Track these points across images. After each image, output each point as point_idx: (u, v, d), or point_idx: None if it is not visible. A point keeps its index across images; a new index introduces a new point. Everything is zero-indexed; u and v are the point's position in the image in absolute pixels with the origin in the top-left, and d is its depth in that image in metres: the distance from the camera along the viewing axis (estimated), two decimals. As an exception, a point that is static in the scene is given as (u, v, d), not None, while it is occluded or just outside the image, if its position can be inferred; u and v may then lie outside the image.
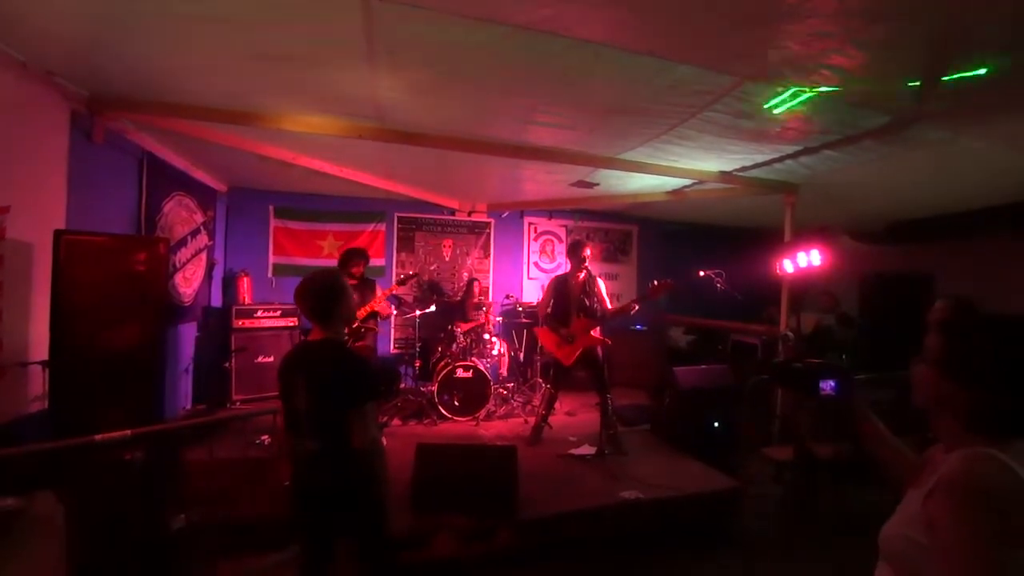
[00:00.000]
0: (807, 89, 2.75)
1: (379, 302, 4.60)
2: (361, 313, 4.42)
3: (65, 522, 1.93)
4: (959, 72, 2.46)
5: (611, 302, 4.50)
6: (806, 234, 4.48)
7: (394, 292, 4.99)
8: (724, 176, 4.65)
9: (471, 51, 2.54)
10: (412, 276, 5.37)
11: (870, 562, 1.13)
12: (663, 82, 2.78)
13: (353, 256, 4.58)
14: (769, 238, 5.67)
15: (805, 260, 4.39)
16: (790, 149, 3.86)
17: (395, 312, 5.74)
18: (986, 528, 0.87)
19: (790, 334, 4.77)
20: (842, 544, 3.40)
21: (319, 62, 2.74)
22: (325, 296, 2.04)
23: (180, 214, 4.82)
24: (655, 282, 4.14)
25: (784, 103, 2.93)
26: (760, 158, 4.13)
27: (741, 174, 4.61)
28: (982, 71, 2.42)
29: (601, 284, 4.46)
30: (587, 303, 4.35)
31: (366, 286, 4.68)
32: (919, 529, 0.97)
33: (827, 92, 2.76)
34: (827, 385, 1.29)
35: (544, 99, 3.17)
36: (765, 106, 3.00)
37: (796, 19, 2.12)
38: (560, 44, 2.41)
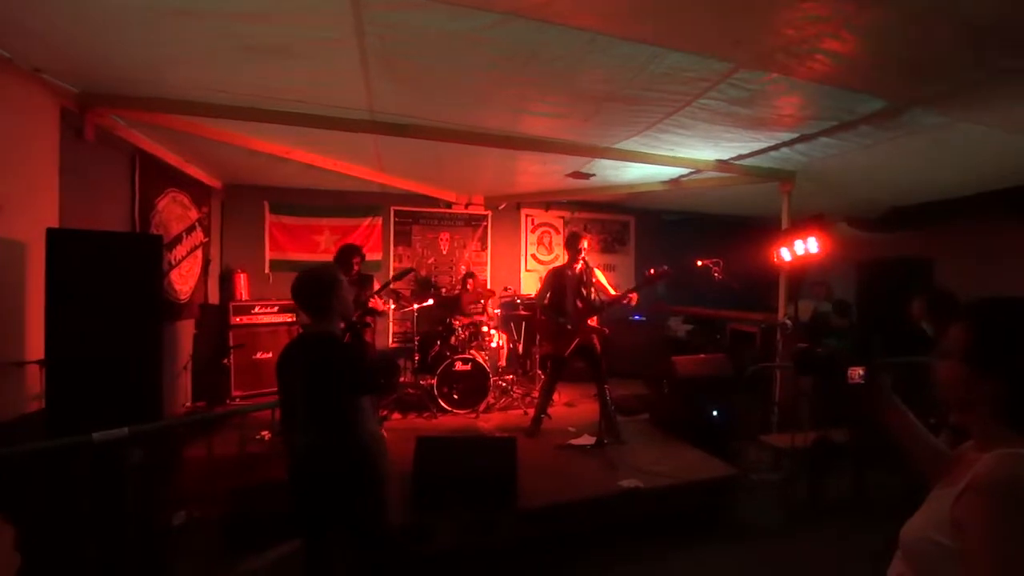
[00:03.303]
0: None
1: (373, 302, 4.56)
2: (374, 303, 4.42)
3: (16, 544, 1.93)
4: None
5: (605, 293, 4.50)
6: (803, 222, 4.47)
7: (390, 287, 4.97)
8: (721, 165, 4.63)
9: (461, 39, 2.51)
10: (408, 271, 5.36)
11: (871, 545, 1.11)
12: (657, 69, 2.76)
13: (348, 253, 4.55)
14: (766, 227, 5.66)
15: (802, 248, 4.38)
16: (786, 136, 3.84)
17: (393, 307, 5.74)
18: (1021, 532, 0.83)
19: (788, 322, 4.78)
20: (844, 530, 3.43)
21: (308, 53, 2.71)
22: (318, 291, 2.05)
23: (175, 211, 4.79)
24: (652, 270, 4.14)
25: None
26: (756, 146, 4.11)
27: (737, 162, 4.58)
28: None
29: (599, 274, 4.46)
30: (585, 293, 4.35)
31: (364, 282, 4.66)
32: (945, 532, 0.92)
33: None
34: (856, 372, 1.25)
35: (536, 88, 3.14)
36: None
37: (790, 3, 2.10)
38: (552, 31, 2.38)
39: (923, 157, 4.05)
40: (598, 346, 4.39)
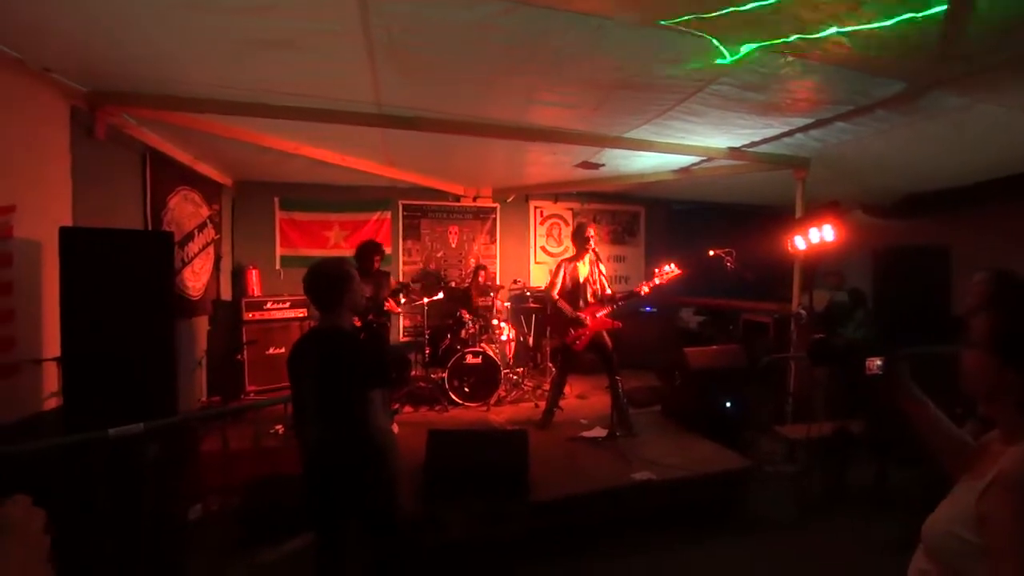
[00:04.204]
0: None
1: (389, 304, 4.55)
2: (390, 305, 4.42)
3: (46, 527, 1.96)
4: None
5: (615, 284, 4.47)
6: (817, 209, 4.38)
7: (400, 282, 4.98)
8: (733, 152, 4.55)
9: (468, 29, 2.48)
10: (405, 286, 5.21)
11: (886, 538, 1.09)
12: (668, 55, 2.70)
13: (369, 250, 4.51)
14: (779, 215, 5.57)
15: (817, 236, 4.30)
16: (801, 122, 3.75)
17: (403, 300, 5.75)
18: None
19: (803, 312, 4.71)
20: (859, 522, 3.39)
21: (314, 46, 2.69)
22: (328, 285, 2.05)
23: (186, 208, 4.82)
24: (657, 271, 4.12)
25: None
26: (770, 132, 4.02)
27: (750, 150, 4.50)
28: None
29: (602, 268, 4.44)
30: (595, 285, 4.33)
31: (382, 277, 4.66)
32: (971, 527, 0.90)
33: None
34: (874, 363, 1.22)
35: (545, 77, 3.09)
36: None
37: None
38: (559, 19, 2.33)
39: (941, 141, 3.94)
40: (609, 339, 4.37)
